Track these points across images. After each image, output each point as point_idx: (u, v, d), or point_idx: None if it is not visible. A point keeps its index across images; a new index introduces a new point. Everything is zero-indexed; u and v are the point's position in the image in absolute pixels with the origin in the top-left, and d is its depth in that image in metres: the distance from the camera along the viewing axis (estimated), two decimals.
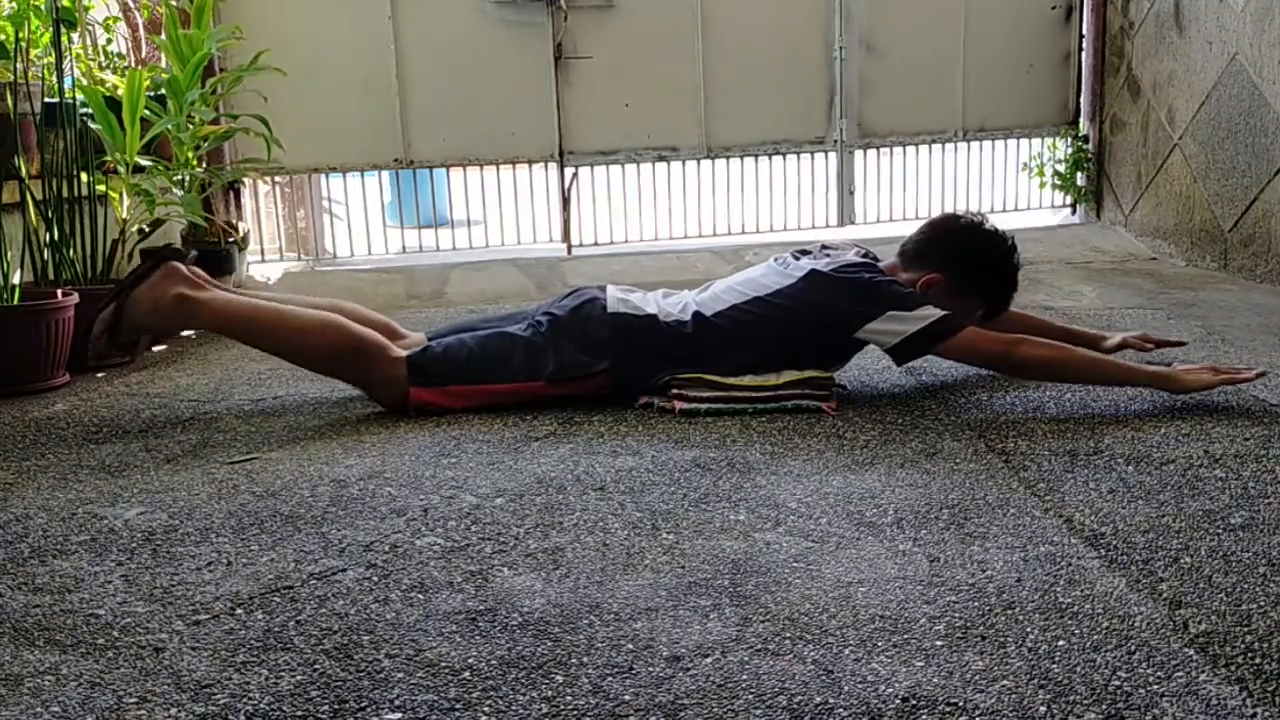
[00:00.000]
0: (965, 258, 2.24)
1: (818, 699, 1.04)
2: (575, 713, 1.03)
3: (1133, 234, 4.39)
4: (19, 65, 2.83)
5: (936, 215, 2.41)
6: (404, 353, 2.16)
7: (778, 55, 4.51)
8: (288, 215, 4.58)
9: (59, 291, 2.65)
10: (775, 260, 2.31)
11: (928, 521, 1.50)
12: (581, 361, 2.15)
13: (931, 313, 2.10)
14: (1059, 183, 4.76)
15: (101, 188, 3.04)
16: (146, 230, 3.27)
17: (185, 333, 2.50)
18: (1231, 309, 3.09)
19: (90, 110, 3.04)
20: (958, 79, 4.64)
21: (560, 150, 4.44)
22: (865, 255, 2.32)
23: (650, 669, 1.11)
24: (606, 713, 1.03)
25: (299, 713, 1.04)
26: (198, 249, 3.56)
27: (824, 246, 2.37)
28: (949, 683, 1.06)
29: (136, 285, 2.20)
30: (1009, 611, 1.22)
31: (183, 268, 2.23)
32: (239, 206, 4.28)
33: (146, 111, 3.12)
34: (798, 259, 2.28)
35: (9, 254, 2.65)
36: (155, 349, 2.58)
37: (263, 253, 4.41)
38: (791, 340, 2.18)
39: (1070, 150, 4.72)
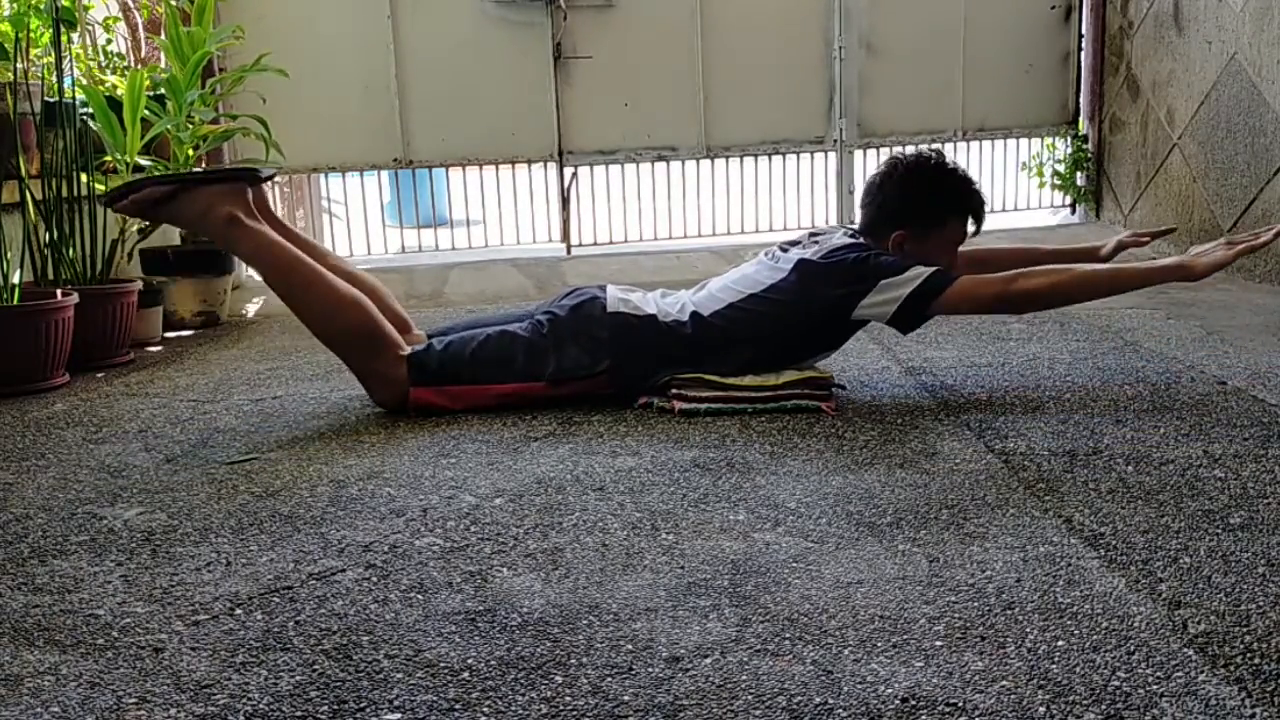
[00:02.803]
0: (908, 196, 2.21)
1: (817, 699, 1.04)
2: (575, 713, 1.03)
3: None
4: (19, 65, 2.83)
5: (872, 172, 2.34)
6: (408, 349, 2.16)
7: (777, 55, 4.51)
8: (287, 215, 4.58)
9: (58, 291, 2.65)
10: (766, 255, 2.31)
11: (927, 522, 1.50)
12: (583, 362, 2.15)
13: (921, 271, 2.08)
14: (1058, 183, 4.76)
15: (101, 188, 3.04)
16: (146, 230, 3.26)
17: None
18: (1231, 309, 3.09)
19: (90, 110, 3.04)
20: (958, 79, 4.64)
21: (560, 150, 4.44)
22: (853, 235, 2.30)
23: (650, 669, 1.11)
24: (606, 713, 1.03)
25: (298, 713, 1.04)
26: (196, 249, 3.56)
27: (812, 234, 2.36)
28: (948, 683, 1.06)
29: (202, 184, 2.15)
30: (1008, 612, 1.22)
31: (250, 192, 2.19)
32: None
33: (146, 111, 3.12)
34: (786, 251, 2.27)
35: (9, 254, 2.65)
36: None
37: None
38: (790, 332, 2.18)
39: (1070, 150, 4.72)
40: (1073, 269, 2.08)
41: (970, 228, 2.23)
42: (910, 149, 4.67)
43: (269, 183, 2.22)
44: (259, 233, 2.16)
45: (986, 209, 2.25)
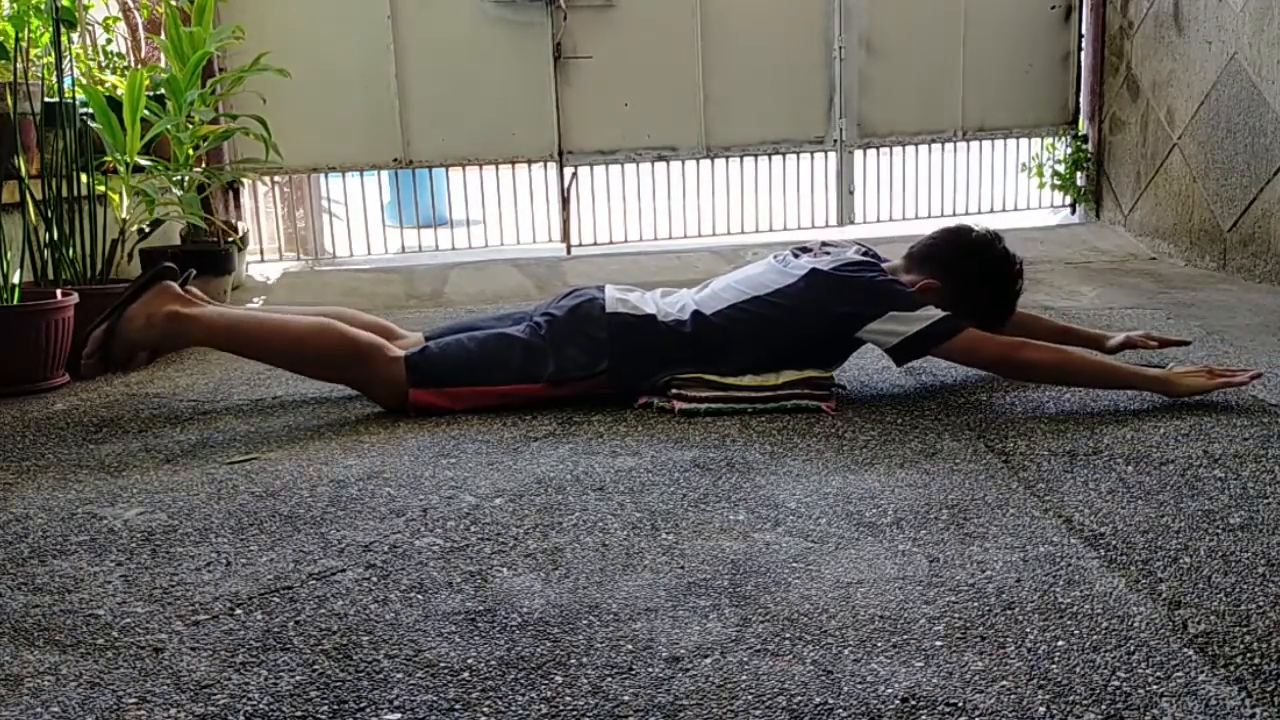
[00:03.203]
0: (968, 270, 2.23)
1: (817, 699, 1.04)
2: (575, 713, 1.03)
3: (1132, 234, 4.39)
4: (19, 65, 2.83)
5: (952, 224, 2.39)
6: (402, 353, 2.16)
7: (777, 55, 4.51)
8: (287, 215, 4.58)
9: (59, 291, 2.65)
10: (775, 258, 2.30)
11: (927, 521, 1.50)
12: (581, 362, 2.15)
13: (933, 313, 2.10)
14: (1058, 183, 4.76)
15: (101, 188, 3.04)
16: (146, 230, 3.26)
17: (180, 350, 2.51)
18: (1231, 309, 3.09)
19: (90, 110, 3.04)
20: (957, 79, 4.64)
21: (559, 150, 4.44)
22: (866, 254, 2.31)
23: (650, 669, 1.11)
24: (606, 713, 1.03)
25: (298, 713, 1.04)
26: (196, 248, 3.56)
27: (824, 244, 2.37)
28: (948, 683, 1.06)
29: (129, 303, 2.20)
30: (1008, 612, 1.22)
31: (175, 286, 2.24)
32: (238, 206, 4.28)
33: (146, 112, 3.12)
34: (797, 257, 2.27)
35: (9, 254, 2.65)
36: (150, 366, 2.58)
37: (262, 253, 4.41)
38: (791, 339, 2.17)
39: (1069, 150, 4.72)
40: (1071, 355, 2.16)
41: (977, 321, 2.24)
42: (911, 150, 4.70)
43: (187, 280, 2.30)
44: (202, 315, 2.22)
45: (1016, 297, 2.30)
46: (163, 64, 3.58)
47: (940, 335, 2.09)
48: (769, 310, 2.17)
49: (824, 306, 2.15)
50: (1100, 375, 2.13)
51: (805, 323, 2.16)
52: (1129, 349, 2.36)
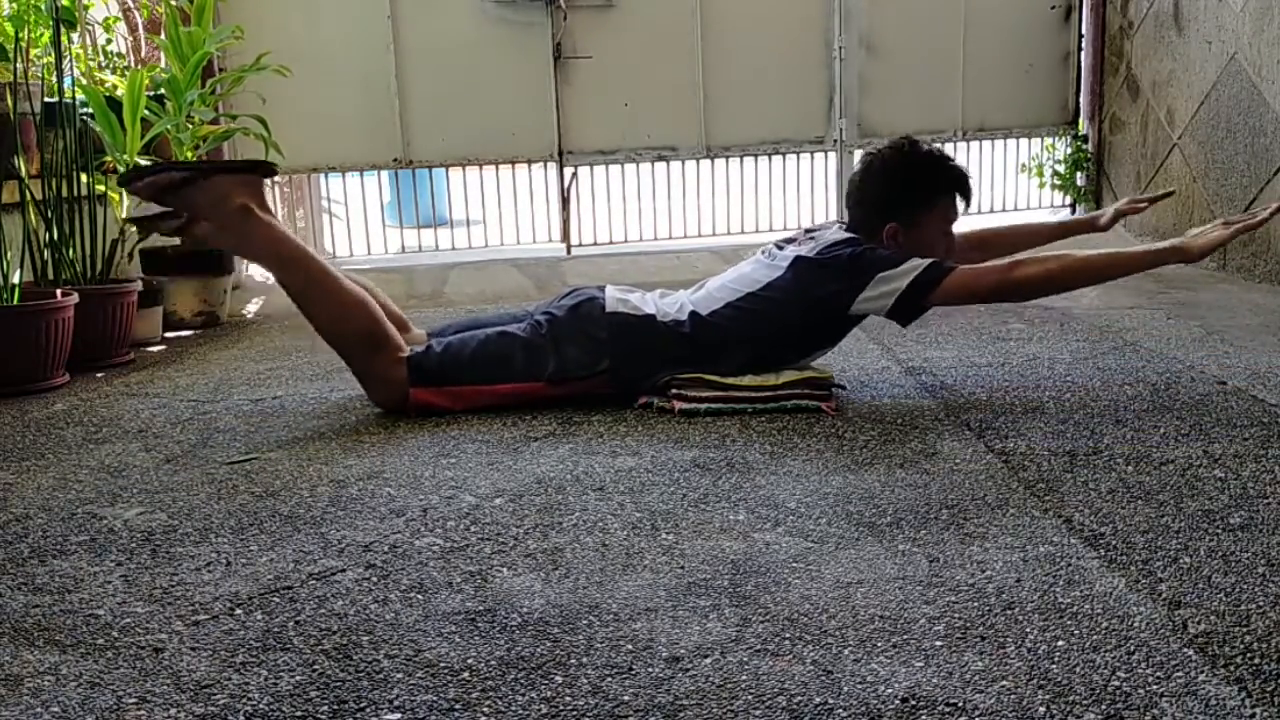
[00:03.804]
0: (891, 187, 2.20)
1: (817, 699, 1.04)
2: (575, 713, 1.03)
3: (1132, 234, 4.39)
4: (19, 65, 2.83)
5: (850, 178, 2.34)
6: (407, 352, 2.16)
7: (777, 55, 4.51)
8: (287, 215, 4.58)
9: (59, 291, 2.65)
10: (763, 254, 2.30)
11: (927, 522, 1.50)
12: (582, 361, 2.16)
13: (918, 263, 2.07)
14: (1058, 183, 4.76)
15: (101, 188, 3.04)
16: (145, 230, 3.26)
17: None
18: (1230, 309, 3.09)
19: (90, 110, 3.04)
20: (957, 79, 4.64)
21: (559, 150, 4.44)
22: (848, 228, 2.30)
23: (650, 669, 1.11)
24: (606, 713, 1.03)
25: (298, 713, 1.04)
26: (195, 249, 3.55)
27: (808, 230, 2.36)
28: (948, 683, 1.06)
29: (220, 173, 2.13)
30: (1008, 612, 1.22)
31: (265, 187, 2.18)
32: None
33: (146, 112, 3.12)
34: (782, 249, 2.27)
35: (9, 254, 2.65)
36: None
37: None
38: (788, 330, 2.17)
39: (1069, 150, 4.72)
40: (1070, 255, 2.06)
41: (960, 205, 2.21)
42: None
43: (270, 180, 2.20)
44: (272, 225, 2.14)
45: (972, 184, 2.23)
46: (163, 64, 3.58)
47: (932, 280, 2.06)
48: (762, 305, 2.17)
49: (814, 290, 2.14)
50: (1109, 267, 2.04)
51: (799, 310, 2.15)
52: (1121, 219, 2.30)
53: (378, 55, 4.26)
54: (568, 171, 4.47)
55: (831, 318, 2.17)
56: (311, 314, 2.18)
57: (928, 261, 2.07)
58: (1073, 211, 4.84)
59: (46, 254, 2.85)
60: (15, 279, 2.66)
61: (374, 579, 1.35)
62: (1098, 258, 2.05)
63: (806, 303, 2.15)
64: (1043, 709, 1.01)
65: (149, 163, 2.11)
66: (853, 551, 1.41)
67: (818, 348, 2.22)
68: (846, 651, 1.13)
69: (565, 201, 4.50)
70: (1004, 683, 1.06)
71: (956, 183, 2.21)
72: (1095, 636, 1.15)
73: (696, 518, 1.54)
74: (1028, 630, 1.17)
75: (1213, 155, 3.76)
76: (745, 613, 1.23)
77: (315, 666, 1.13)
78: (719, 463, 1.79)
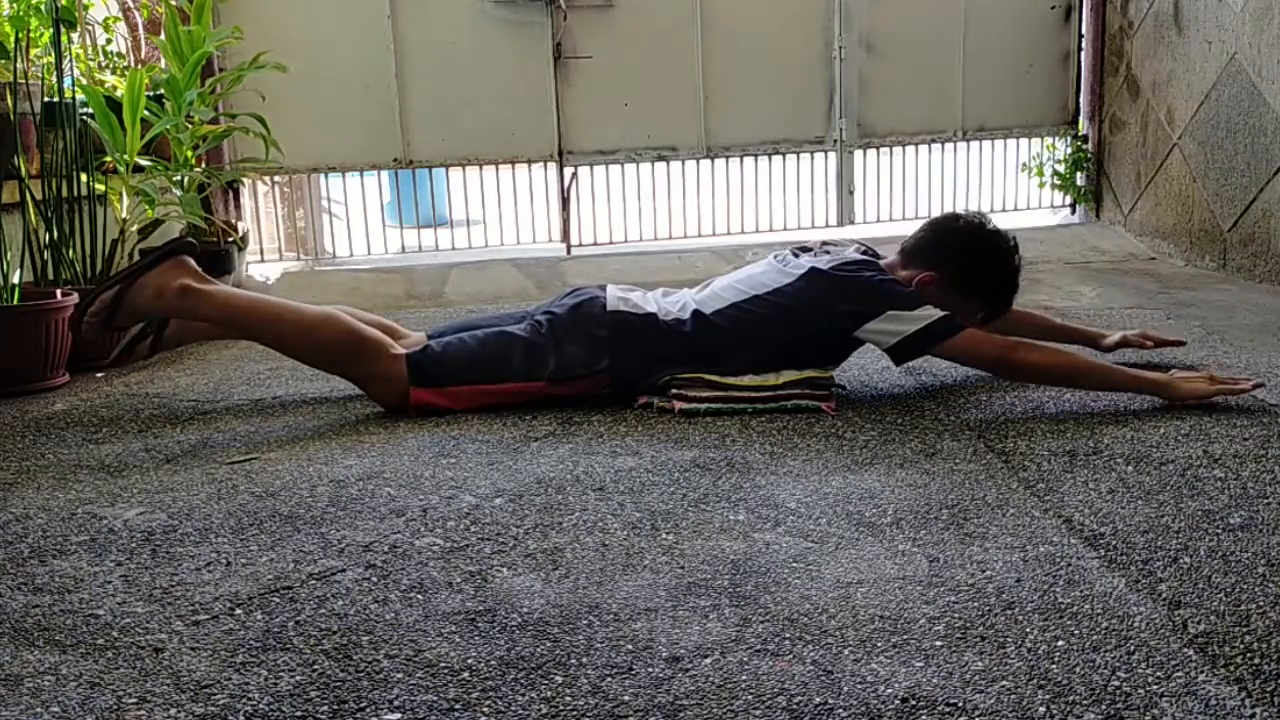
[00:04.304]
0: (962, 257, 2.22)
1: (817, 699, 1.04)
2: (575, 713, 1.03)
3: (1132, 234, 4.39)
4: (19, 65, 2.83)
5: (939, 214, 2.40)
6: (404, 351, 2.16)
7: (777, 55, 4.51)
8: (287, 215, 4.58)
9: (59, 291, 2.65)
10: (775, 258, 2.30)
11: (927, 521, 1.50)
12: (582, 360, 2.15)
13: (931, 313, 2.10)
14: (1058, 182, 4.76)
15: (101, 188, 3.04)
16: (146, 230, 3.27)
17: (185, 338, 2.48)
18: (1230, 309, 3.09)
19: (90, 110, 3.04)
20: (957, 79, 4.64)
21: (559, 150, 4.44)
22: (866, 253, 2.31)
23: (650, 669, 1.11)
24: (606, 713, 1.03)
25: (298, 713, 1.04)
26: (194, 250, 3.55)
27: (824, 244, 2.37)
28: (948, 683, 1.06)
29: (144, 271, 2.18)
30: (1008, 612, 1.22)
31: (191, 261, 2.22)
32: (238, 206, 4.28)
33: (146, 112, 3.12)
34: (797, 256, 2.27)
35: (9, 254, 2.65)
36: (152, 358, 2.56)
37: (262, 253, 4.41)
38: (790, 339, 2.18)
39: (1070, 150, 4.72)
40: (1071, 357, 2.15)
41: (981, 316, 2.24)
42: (911, 150, 4.70)
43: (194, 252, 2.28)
44: (214, 292, 2.20)
45: (1013, 296, 2.29)
46: (162, 64, 3.58)
47: (938, 335, 2.09)
48: (769, 310, 2.17)
49: (823, 305, 2.15)
50: (1099, 378, 2.12)
51: (804, 322, 2.16)
52: (1125, 348, 2.36)
53: (378, 55, 4.26)
54: (568, 171, 4.46)
55: (834, 335, 2.18)
56: (286, 349, 2.24)
57: (941, 314, 2.10)
58: (1072, 211, 4.84)
59: (46, 254, 2.85)
60: (15, 279, 2.66)
61: (374, 579, 1.35)
62: (1095, 368, 2.14)
63: (814, 315, 2.15)
64: (1043, 709, 1.01)
65: (81, 299, 2.20)
66: (853, 551, 1.41)
67: (818, 364, 2.21)
68: (846, 651, 1.13)
69: (565, 201, 4.50)
70: (1004, 683, 1.06)
71: (1000, 306, 2.27)
72: (1095, 636, 1.15)
73: (696, 518, 1.54)
74: (1028, 630, 1.17)
75: (1212, 155, 3.76)
76: (745, 613, 1.23)
77: (315, 666, 1.13)
78: (719, 463, 1.79)
